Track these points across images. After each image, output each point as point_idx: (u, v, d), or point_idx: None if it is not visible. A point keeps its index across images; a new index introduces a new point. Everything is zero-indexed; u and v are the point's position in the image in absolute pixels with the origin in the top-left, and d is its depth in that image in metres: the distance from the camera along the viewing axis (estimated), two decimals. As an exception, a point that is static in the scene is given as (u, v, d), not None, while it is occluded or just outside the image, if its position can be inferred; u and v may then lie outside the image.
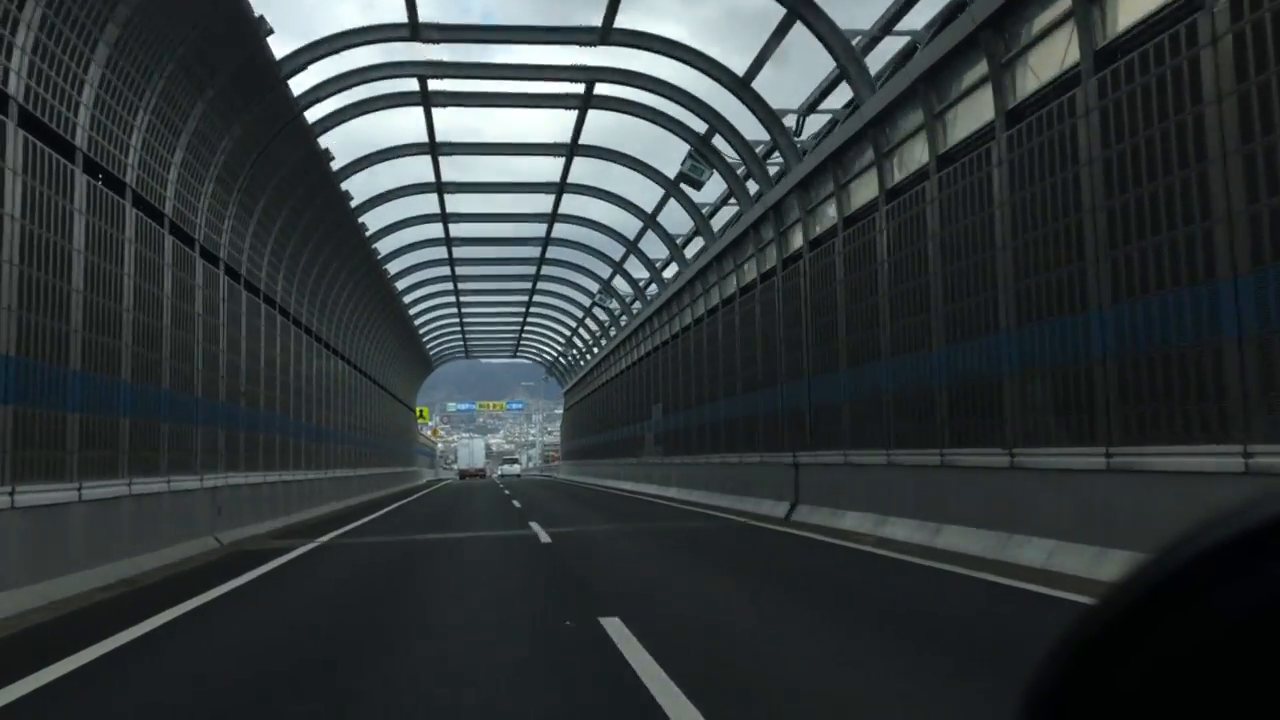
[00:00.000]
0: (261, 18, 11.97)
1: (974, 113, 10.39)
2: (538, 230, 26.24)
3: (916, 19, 12.42)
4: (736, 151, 16.75)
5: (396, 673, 4.84)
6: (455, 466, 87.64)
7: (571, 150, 19.26)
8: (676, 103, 16.32)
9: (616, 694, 4.35)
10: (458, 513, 20.16)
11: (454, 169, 23.98)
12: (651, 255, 26.37)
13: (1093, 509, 7.98)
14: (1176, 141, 7.18)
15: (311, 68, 13.89)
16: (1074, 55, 8.55)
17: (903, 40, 12.62)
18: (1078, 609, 0.47)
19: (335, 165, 17.34)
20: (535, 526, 14.12)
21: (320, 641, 6.14)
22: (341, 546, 12.83)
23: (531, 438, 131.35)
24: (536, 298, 37.27)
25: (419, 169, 28.50)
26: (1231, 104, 6.62)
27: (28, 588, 7.44)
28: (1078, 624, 0.45)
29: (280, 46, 12.20)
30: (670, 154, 18.91)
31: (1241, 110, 6.53)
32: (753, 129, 15.85)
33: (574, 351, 47.57)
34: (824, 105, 15.31)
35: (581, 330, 42.09)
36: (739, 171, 18.18)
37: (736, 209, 19.48)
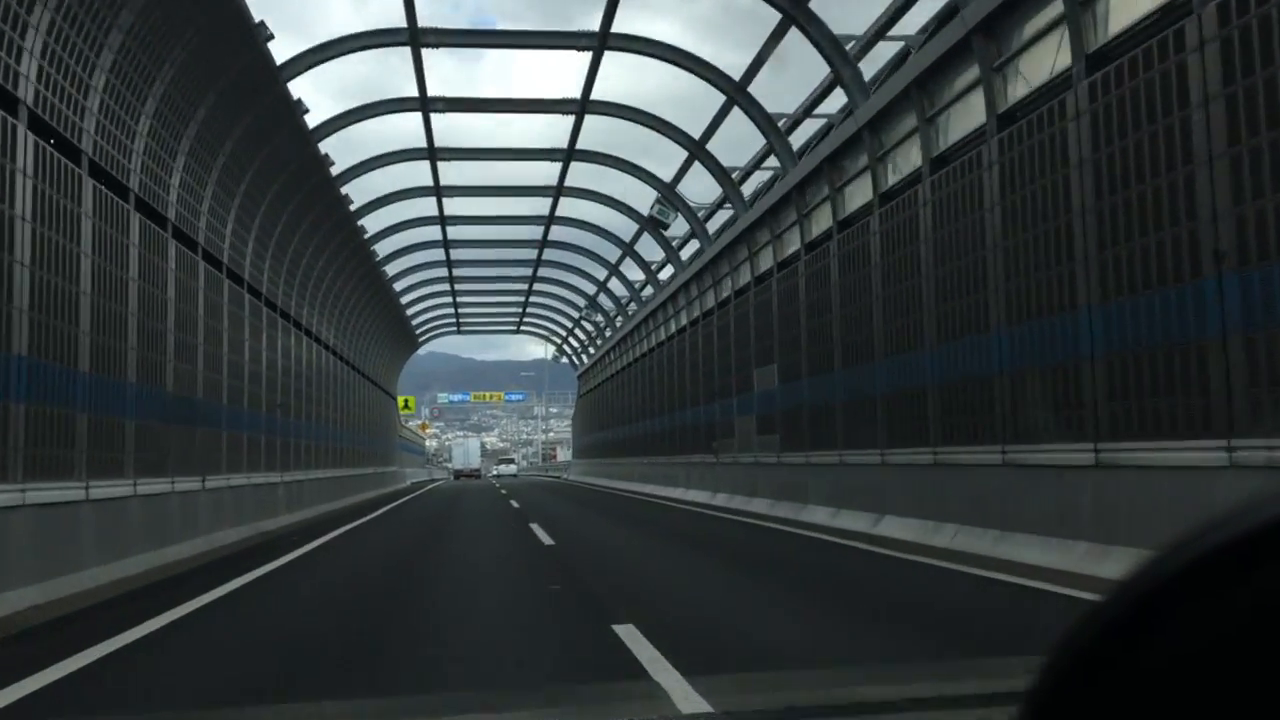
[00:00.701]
0: (262, 23, 12.10)
1: (967, 116, 10.56)
2: (542, 206, 24.91)
3: (910, 23, 12.60)
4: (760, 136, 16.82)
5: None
6: (449, 466, 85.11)
7: (581, 108, 19.39)
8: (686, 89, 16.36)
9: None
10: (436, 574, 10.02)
11: (449, 134, 22.81)
12: (672, 234, 23.89)
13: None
14: (1165, 144, 7.35)
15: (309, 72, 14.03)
16: (1065, 59, 8.72)
17: (897, 45, 12.79)
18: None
19: (330, 157, 17.43)
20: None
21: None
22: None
23: (526, 435, 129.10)
24: (546, 255, 28.79)
25: (411, 129, 22.67)
26: (1219, 107, 6.80)
27: None
28: (1078, 625, 0.45)
29: (271, 37, 12.22)
30: (670, 149, 19.03)
31: (1229, 114, 6.71)
32: (750, 137, 16.02)
33: (596, 321, 37.03)
34: (819, 109, 15.48)
35: (603, 297, 34.22)
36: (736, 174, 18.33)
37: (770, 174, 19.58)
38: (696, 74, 15.00)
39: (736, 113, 15.55)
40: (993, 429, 9.75)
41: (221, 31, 11.52)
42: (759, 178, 18.86)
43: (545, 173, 21.33)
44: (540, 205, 23.78)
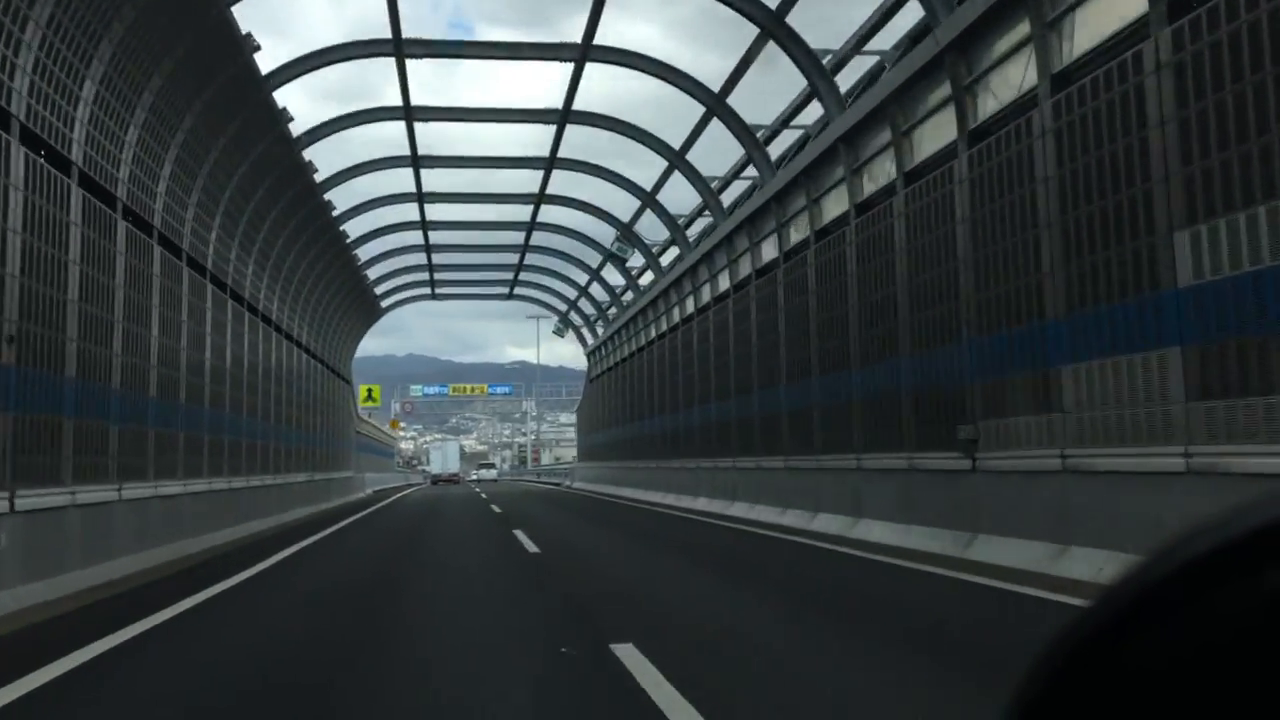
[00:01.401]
0: (249, 35, 12.26)
1: (939, 132, 10.87)
2: (523, 213, 23.49)
3: (885, 39, 12.91)
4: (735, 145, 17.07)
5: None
6: (425, 469, 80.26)
7: (563, 117, 19.59)
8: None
9: None
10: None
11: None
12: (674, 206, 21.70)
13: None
14: (1124, 162, 7.67)
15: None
16: (1032, 78, 9.04)
17: (872, 59, 13.10)
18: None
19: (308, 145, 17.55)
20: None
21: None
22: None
23: (506, 438, 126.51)
24: (544, 212, 23.86)
25: (394, 131, 19.31)
26: (1173, 129, 7.12)
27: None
28: (1066, 630, 0.45)
29: (258, 48, 12.37)
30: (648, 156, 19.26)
31: (1182, 135, 7.03)
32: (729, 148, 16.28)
33: (624, 256, 26.53)
34: (797, 120, 15.78)
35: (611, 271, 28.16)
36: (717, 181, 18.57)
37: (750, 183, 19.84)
38: (677, 85, 15.26)
39: (717, 120, 15.81)
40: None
41: (209, 43, 11.67)
42: (739, 186, 19.15)
43: (528, 179, 21.54)
44: (522, 212, 23.97)
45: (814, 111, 15.19)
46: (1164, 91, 7.20)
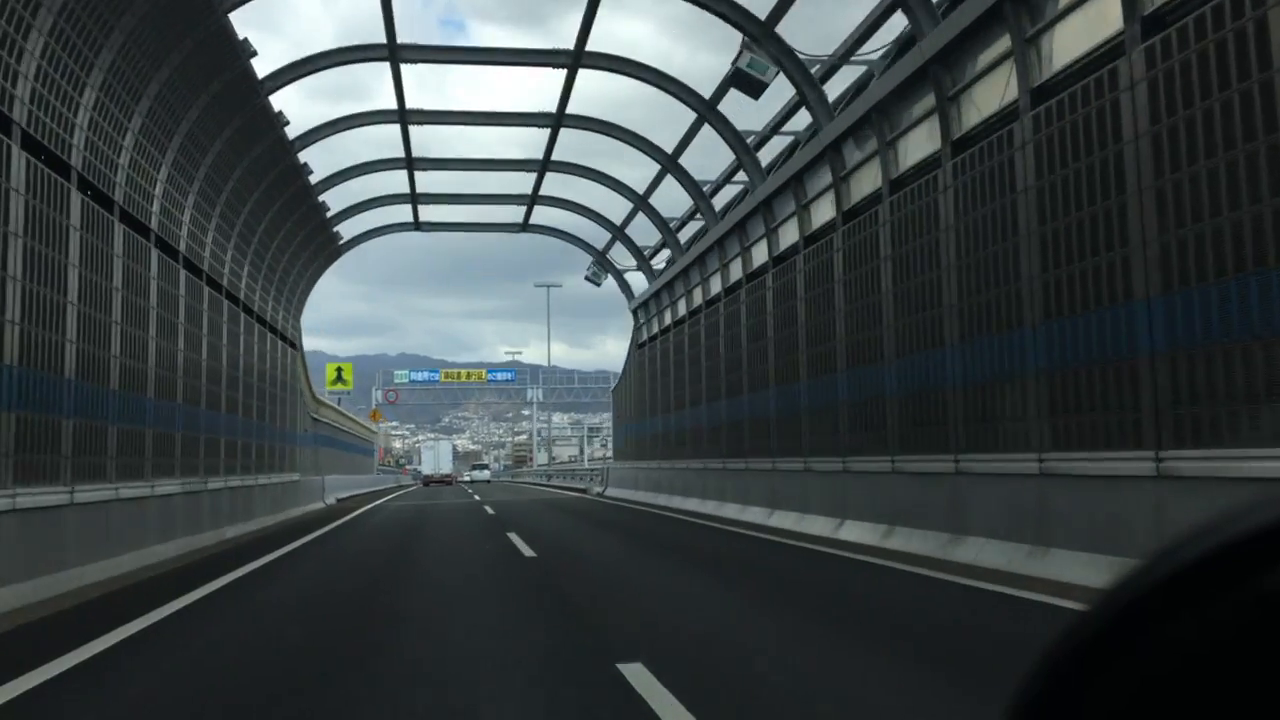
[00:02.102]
0: (246, 40, 12.43)
1: (924, 140, 11.10)
2: (517, 214, 23.59)
3: (874, 47, 13.11)
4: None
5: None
6: (414, 468, 77.13)
7: (558, 119, 19.78)
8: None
9: None
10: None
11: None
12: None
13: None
14: (1100, 175, 7.89)
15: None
16: (1013, 92, 9.26)
17: (861, 69, 13.32)
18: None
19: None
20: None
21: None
22: None
23: (499, 437, 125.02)
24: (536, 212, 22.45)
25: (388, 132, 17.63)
26: (1146, 143, 7.34)
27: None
28: (1063, 635, 0.45)
29: (254, 53, 12.52)
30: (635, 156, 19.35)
31: (1154, 150, 7.26)
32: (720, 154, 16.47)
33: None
34: (786, 126, 15.99)
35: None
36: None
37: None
38: (668, 91, 15.47)
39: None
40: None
41: (206, 50, 11.83)
42: (730, 190, 19.35)
43: (521, 180, 21.71)
44: (515, 214, 24.16)
45: (803, 118, 15.40)
46: (1138, 108, 7.43)
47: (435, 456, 71.60)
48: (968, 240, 9.91)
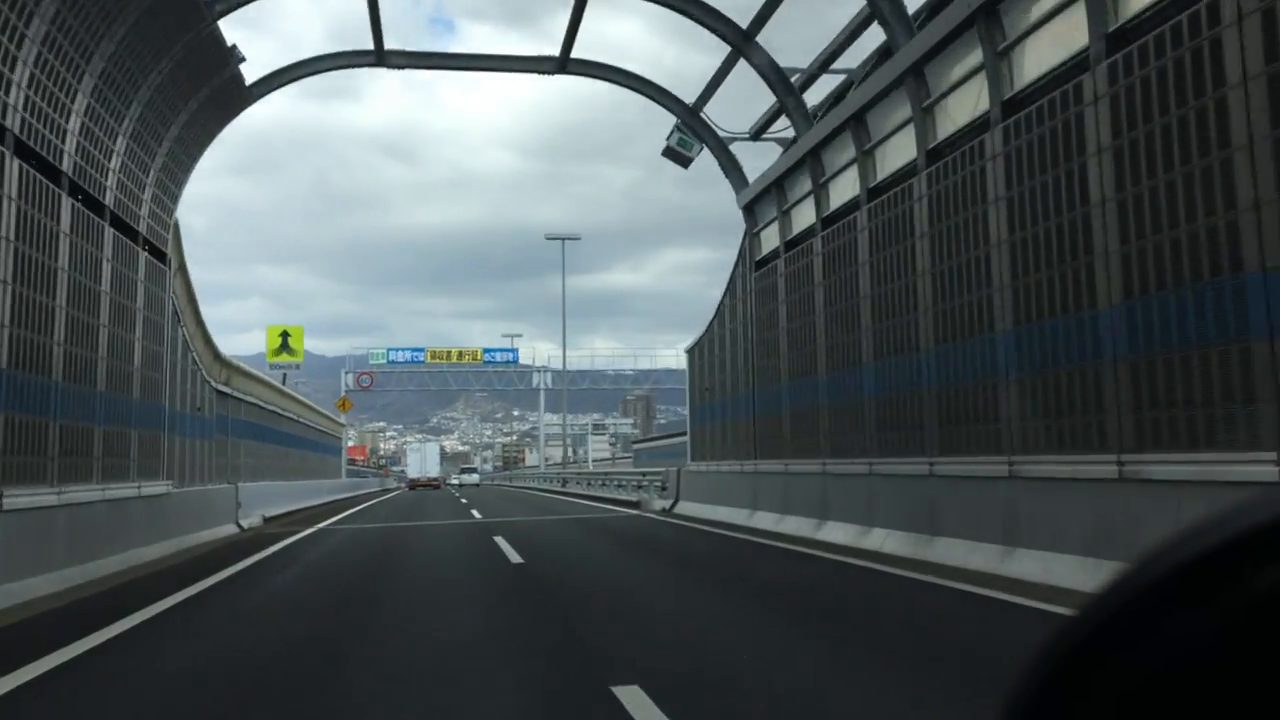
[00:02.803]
0: (234, 46, 12.60)
1: (901, 149, 11.35)
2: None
3: (852, 57, 13.37)
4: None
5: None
6: (398, 470, 74.16)
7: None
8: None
9: None
10: None
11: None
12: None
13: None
14: (1065, 186, 8.15)
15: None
16: (985, 103, 9.52)
17: (839, 77, 13.57)
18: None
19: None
20: None
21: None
22: None
23: (487, 438, 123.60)
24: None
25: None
26: (1109, 157, 7.60)
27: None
28: (1059, 633, 0.44)
29: (243, 59, 12.62)
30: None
31: (1116, 163, 7.52)
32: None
33: None
34: (769, 134, 16.22)
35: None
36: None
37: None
38: (653, 99, 15.69)
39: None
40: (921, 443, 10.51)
41: (196, 56, 11.99)
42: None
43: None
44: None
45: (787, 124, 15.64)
46: (1100, 123, 7.68)
47: (422, 459, 68.54)
48: (942, 246, 10.14)
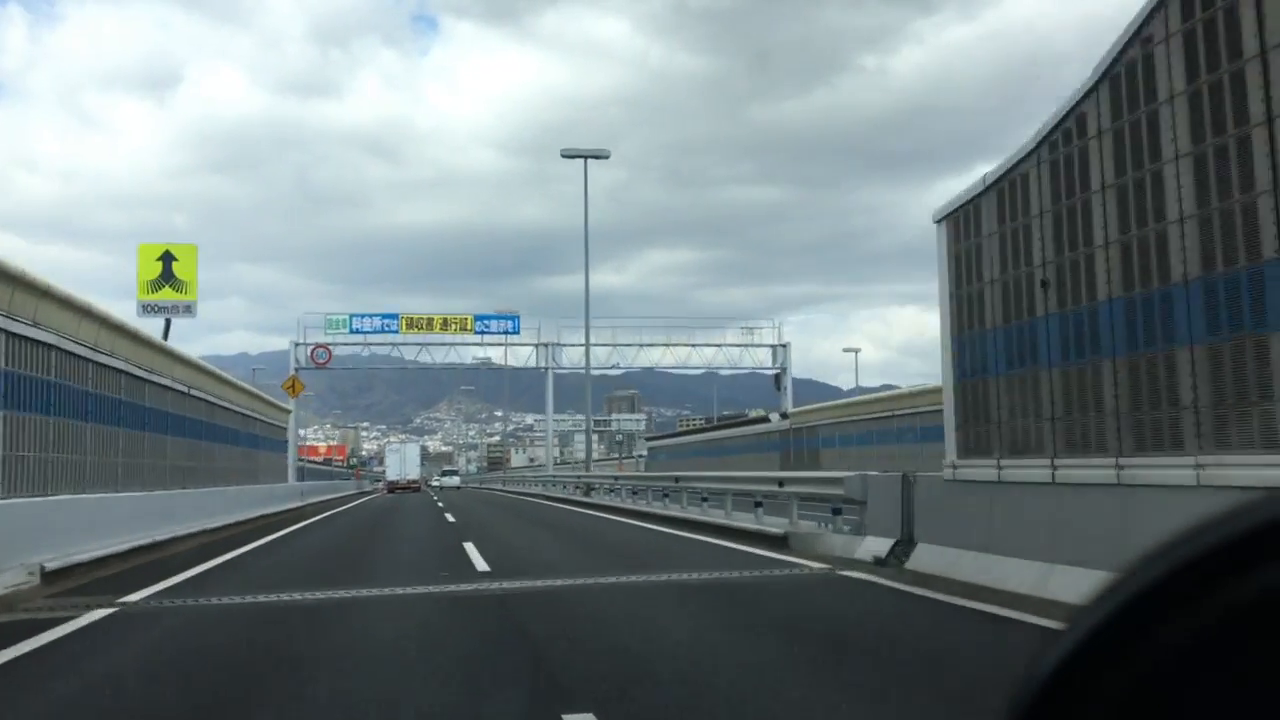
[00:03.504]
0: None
1: None
2: None
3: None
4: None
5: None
6: (371, 472, 70.22)
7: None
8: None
9: None
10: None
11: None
12: None
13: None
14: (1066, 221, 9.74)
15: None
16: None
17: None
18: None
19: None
20: None
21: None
22: None
23: (471, 438, 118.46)
24: None
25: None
26: (1049, 220, 8.71)
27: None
28: (1064, 629, 0.45)
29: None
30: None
31: (1054, 227, 8.57)
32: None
33: None
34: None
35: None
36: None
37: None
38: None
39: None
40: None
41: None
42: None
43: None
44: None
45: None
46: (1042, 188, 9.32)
47: (401, 460, 65.05)
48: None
